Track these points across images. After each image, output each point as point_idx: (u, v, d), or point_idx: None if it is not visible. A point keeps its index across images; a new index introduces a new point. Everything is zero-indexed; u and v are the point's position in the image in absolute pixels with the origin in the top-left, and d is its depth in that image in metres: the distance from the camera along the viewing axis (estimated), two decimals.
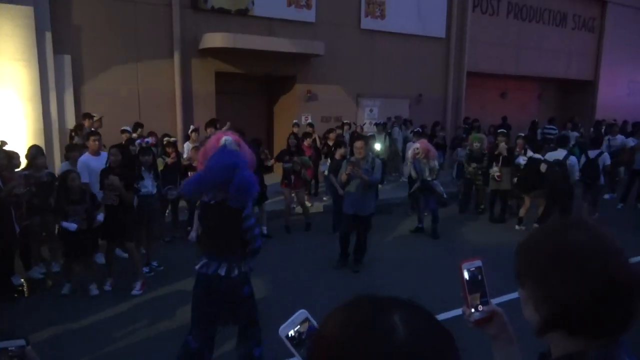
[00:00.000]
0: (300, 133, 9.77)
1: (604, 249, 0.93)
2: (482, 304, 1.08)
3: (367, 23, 12.85)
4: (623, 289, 0.91)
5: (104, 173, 5.48)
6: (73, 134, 7.74)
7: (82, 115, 8.46)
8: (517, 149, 8.97)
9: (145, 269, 6.04)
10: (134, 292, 5.44)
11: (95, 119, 8.24)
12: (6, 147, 5.90)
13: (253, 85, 12.68)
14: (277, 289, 5.59)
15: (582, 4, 17.16)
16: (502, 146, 8.86)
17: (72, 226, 5.19)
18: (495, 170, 8.73)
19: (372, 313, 0.67)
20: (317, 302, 5.04)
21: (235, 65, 11.09)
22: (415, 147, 8.16)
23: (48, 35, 8.83)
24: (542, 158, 8.14)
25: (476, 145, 9.19)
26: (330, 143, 9.67)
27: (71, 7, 9.25)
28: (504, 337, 1.12)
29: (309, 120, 11.69)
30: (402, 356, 0.61)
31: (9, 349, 1.12)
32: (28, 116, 8.66)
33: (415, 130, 10.84)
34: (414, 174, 8.05)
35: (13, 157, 5.78)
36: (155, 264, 6.28)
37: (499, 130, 10.24)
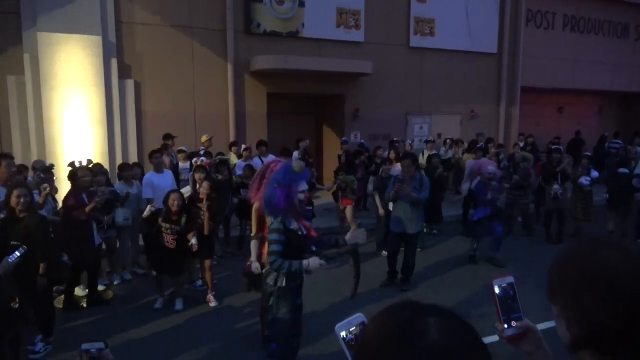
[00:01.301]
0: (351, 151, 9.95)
1: (636, 269, 0.92)
2: (515, 319, 1.10)
3: (416, 41, 12.87)
4: None
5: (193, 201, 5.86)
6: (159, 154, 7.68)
7: (163, 136, 8.89)
8: (580, 168, 8.59)
9: (198, 283, 6.30)
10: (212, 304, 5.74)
11: (204, 139, 9.22)
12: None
13: (303, 104, 12.97)
14: (321, 305, 5.63)
15: None
16: (567, 163, 8.54)
17: (194, 241, 5.44)
18: (557, 189, 8.32)
19: (408, 316, 0.72)
20: None
21: (286, 86, 11.41)
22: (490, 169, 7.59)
23: (114, 62, 9.49)
24: (628, 172, 7.87)
25: (523, 164, 8.83)
26: (378, 161, 9.70)
27: (134, 36, 9.92)
28: (540, 354, 1.12)
29: (357, 139, 11.79)
30: (432, 356, 0.66)
31: (90, 350, 1.26)
32: (95, 136, 9.30)
33: (478, 145, 10.38)
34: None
35: (96, 174, 6.25)
36: (199, 282, 6.48)
37: (554, 147, 9.87)
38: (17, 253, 3.14)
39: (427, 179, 6.46)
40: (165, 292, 5.79)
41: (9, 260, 3.11)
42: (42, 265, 4.07)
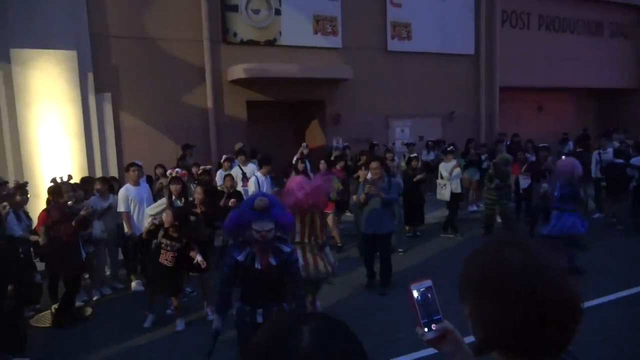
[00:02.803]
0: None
1: (538, 269, 0.91)
2: (435, 322, 1.09)
3: (394, 45, 12.98)
4: (556, 311, 0.89)
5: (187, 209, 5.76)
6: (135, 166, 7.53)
7: (182, 147, 9.44)
8: None
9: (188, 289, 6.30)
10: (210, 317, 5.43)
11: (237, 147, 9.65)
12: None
13: (284, 111, 12.99)
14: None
15: (619, 11, 16.68)
16: (551, 160, 8.66)
17: (199, 258, 5.27)
18: (545, 187, 8.39)
19: (286, 324, 0.75)
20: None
21: (266, 94, 11.43)
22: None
23: (90, 76, 9.43)
24: (623, 162, 8.27)
25: (503, 168, 8.85)
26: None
27: (110, 49, 9.87)
28: (460, 354, 1.12)
29: (339, 144, 11.82)
30: None
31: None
32: (73, 151, 9.21)
33: (449, 148, 10.59)
34: None
35: (76, 189, 6.19)
36: (188, 289, 6.45)
37: (541, 145, 9.97)
38: None
39: (397, 180, 6.79)
40: (168, 310, 5.70)
41: None
42: (10, 287, 4.00)
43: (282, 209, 3.52)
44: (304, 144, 10.67)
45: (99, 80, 9.61)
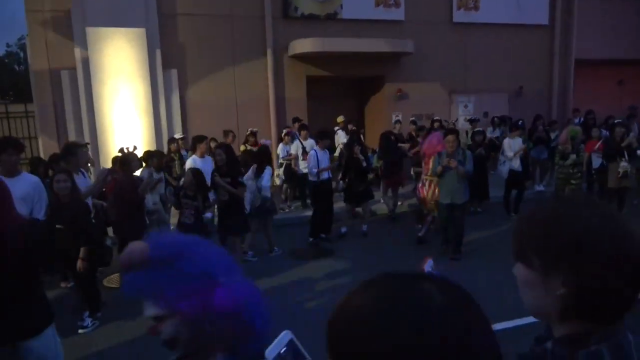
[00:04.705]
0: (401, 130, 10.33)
1: (622, 228, 0.93)
2: None
3: (459, 16, 12.40)
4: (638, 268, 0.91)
5: (213, 173, 5.96)
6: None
7: (223, 132, 9.05)
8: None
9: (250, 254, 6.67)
10: None
11: (340, 120, 10.62)
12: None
13: (343, 87, 12.88)
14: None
15: None
16: (633, 136, 8.03)
17: (208, 215, 5.73)
18: (625, 166, 7.81)
19: (406, 284, 0.67)
20: None
21: (326, 69, 11.37)
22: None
23: (158, 53, 9.82)
24: None
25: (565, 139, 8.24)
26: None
27: (177, 26, 10.21)
28: None
29: (398, 118, 11.61)
30: (441, 322, 0.62)
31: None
32: (143, 125, 9.71)
33: (519, 123, 9.99)
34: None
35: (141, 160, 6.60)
36: (251, 253, 6.75)
37: (616, 122, 9.24)
38: None
39: (470, 152, 6.91)
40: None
41: None
42: (82, 250, 4.32)
43: (193, 273, 1.16)
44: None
45: (166, 57, 9.99)
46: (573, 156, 8.03)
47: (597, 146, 8.89)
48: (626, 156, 7.80)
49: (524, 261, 0.99)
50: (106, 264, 5.19)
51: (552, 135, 10.53)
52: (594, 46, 13.65)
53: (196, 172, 5.57)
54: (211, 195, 6.03)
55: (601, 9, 13.66)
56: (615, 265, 0.90)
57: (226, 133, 9.05)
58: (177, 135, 8.88)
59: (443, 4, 12.25)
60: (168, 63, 10.07)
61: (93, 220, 4.74)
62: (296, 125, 9.82)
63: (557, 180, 8.55)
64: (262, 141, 8.50)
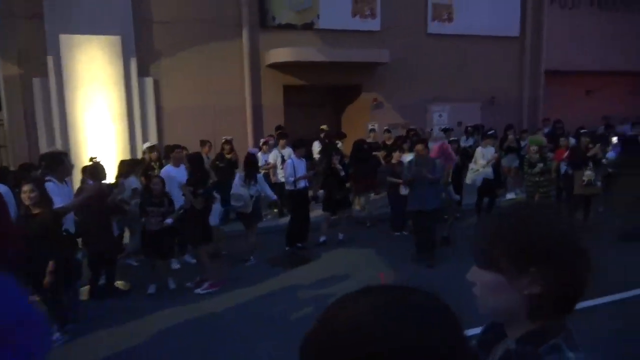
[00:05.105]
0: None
1: (575, 228, 1.05)
2: None
3: (434, 27, 12.67)
4: (590, 262, 1.02)
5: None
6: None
7: (200, 142, 9.09)
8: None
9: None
10: (198, 290, 5.90)
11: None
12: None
13: (320, 96, 12.97)
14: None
15: None
16: (598, 146, 8.36)
17: (168, 221, 5.85)
18: (589, 174, 8.09)
19: (399, 293, 0.73)
20: None
21: (302, 78, 11.45)
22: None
23: (133, 61, 9.74)
24: None
25: (533, 149, 8.52)
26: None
27: (152, 34, 10.15)
28: None
29: (373, 127, 11.75)
30: (440, 323, 0.69)
31: None
32: (117, 133, 9.59)
33: (489, 132, 10.27)
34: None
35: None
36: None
37: (582, 131, 9.57)
38: None
39: (439, 161, 7.04)
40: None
41: None
42: (51, 263, 4.20)
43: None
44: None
45: (142, 64, 9.92)
46: (540, 165, 8.30)
47: (565, 155, 9.17)
48: (591, 165, 8.10)
49: (490, 266, 1.04)
50: (75, 279, 5.09)
51: (523, 144, 10.82)
52: (563, 57, 14.10)
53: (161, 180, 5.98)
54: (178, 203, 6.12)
55: (570, 22, 14.13)
56: (575, 267, 1.00)
57: (203, 143, 9.03)
58: (148, 144, 8.80)
59: (418, 15, 12.49)
60: (144, 71, 9.99)
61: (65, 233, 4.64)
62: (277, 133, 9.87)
63: (526, 188, 8.81)
64: (249, 149, 8.76)
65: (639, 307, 5.14)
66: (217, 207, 6.44)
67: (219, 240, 6.95)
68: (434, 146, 7.99)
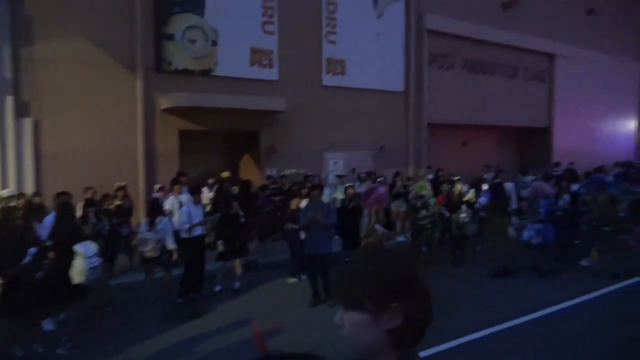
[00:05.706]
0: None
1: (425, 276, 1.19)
2: None
3: (328, 80, 13.43)
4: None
5: None
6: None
7: (84, 190, 8.23)
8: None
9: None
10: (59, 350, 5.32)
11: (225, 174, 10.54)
12: None
13: (218, 141, 12.92)
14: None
15: (531, 58, 18.31)
16: (472, 192, 9.29)
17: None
18: (463, 217, 8.90)
19: None
20: (301, 341, 5.35)
21: (200, 123, 11.35)
22: None
23: (9, 100, 8.96)
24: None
25: (412, 195, 9.41)
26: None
27: (35, 72, 9.44)
28: None
29: (275, 175, 11.92)
30: None
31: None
32: None
33: (378, 179, 11.04)
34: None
35: None
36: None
37: (455, 178, 10.60)
38: None
39: (334, 206, 7.53)
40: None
41: None
42: None
43: None
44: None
45: (20, 104, 9.15)
46: (423, 211, 9.05)
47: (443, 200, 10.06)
48: (465, 208, 8.98)
49: (355, 306, 1.14)
50: None
51: (409, 190, 11.68)
52: (443, 112, 15.69)
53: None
54: None
55: (446, 82, 15.84)
56: (428, 297, 1.17)
57: (86, 190, 8.41)
58: (6, 193, 8.01)
59: (313, 68, 13.18)
60: (22, 111, 9.21)
61: None
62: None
63: (412, 231, 9.51)
64: (154, 194, 8.85)
65: (511, 337, 5.65)
66: (80, 263, 5.53)
67: (99, 296, 6.45)
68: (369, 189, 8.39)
